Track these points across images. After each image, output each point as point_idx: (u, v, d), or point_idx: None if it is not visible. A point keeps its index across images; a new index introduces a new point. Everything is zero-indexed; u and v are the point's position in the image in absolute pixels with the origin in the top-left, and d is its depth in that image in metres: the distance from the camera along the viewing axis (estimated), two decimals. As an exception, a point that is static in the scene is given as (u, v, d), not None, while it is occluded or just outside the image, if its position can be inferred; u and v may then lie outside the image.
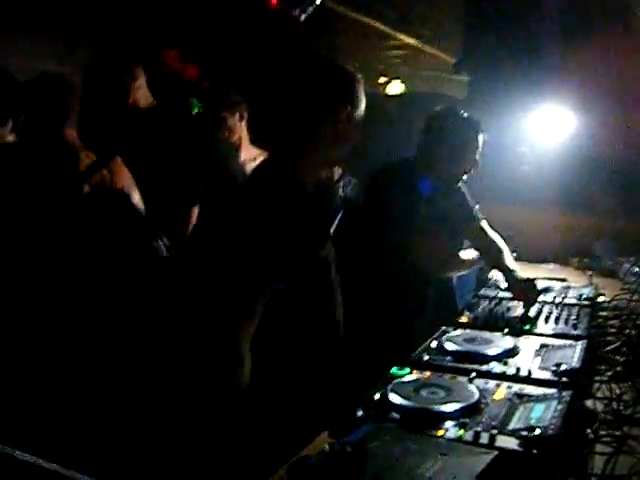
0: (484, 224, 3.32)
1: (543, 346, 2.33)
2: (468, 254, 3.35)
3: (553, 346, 2.32)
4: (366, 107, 2.35)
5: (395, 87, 9.51)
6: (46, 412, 2.53)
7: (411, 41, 8.05)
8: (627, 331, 2.57)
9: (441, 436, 1.61)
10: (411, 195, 3.05)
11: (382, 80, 9.89)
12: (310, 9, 3.07)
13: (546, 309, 2.80)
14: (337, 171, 4.26)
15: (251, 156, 3.95)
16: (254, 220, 2.09)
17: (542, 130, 4.93)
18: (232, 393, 2.05)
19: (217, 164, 3.10)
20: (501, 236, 3.33)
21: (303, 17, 3.04)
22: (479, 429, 1.60)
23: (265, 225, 2.07)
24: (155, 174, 2.95)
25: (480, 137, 3.23)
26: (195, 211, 2.97)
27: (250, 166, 3.25)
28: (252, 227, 2.09)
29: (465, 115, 3.24)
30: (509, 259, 3.13)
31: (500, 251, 3.16)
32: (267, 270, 2.05)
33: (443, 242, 3.13)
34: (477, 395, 1.82)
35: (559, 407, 1.72)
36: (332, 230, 2.55)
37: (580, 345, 2.27)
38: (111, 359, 2.65)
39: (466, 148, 3.20)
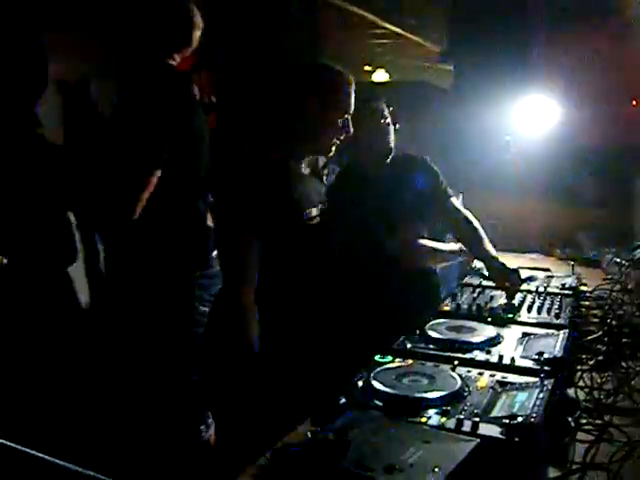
0: (457, 203, 3.28)
1: (525, 335, 2.33)
2: (450, 246, 3.34)
3: (535, 335, 2.32)
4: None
5: (379, 76, 9.52)
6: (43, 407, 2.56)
7: (397, 30, 8.04)
8: (609, 321, 2.58)
9: (424, 423, 1.61)
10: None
11: (367, 68, 9.88)
12: None
13: (529, 298, 2.80)
14: (321, 159, 4.25)
15: None
16: (237, 193, 2.38)
17: (527, 119, 4.93)
18: (239, 345, 2.21)
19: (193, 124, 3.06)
20: (483, 224, 3.31)
21: None
22: (461, 417, 1.60)
23: (246, 195, 2.35)
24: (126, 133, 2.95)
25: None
26: (157, 174, 2.92)
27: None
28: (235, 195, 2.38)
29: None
30: (489, 246, 3.11)
31: (480, 238, 3.13)
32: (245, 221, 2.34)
33: (412, 227, 3.10)
34: (460, 383, 1.82)
35: (541, 395, 1.73)
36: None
37: (562, 334, 2.28)
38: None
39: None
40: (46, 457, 1.02)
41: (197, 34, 3.14)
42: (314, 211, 2.49)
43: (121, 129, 2.96)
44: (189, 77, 3.15)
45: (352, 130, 2.55)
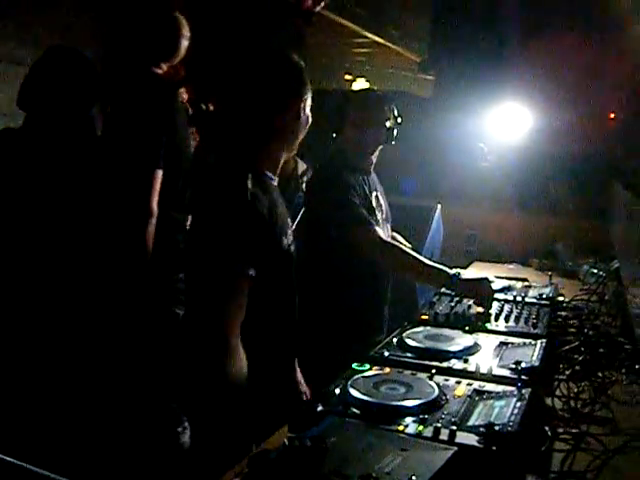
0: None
1: (503, 344, 2.33)
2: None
3: (513, 344, 2.33)
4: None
5: (360, 85, 9.54)
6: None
7: (378, 39, 8.06)
8: (585, 331, 2.59)
9: (401, 432, 1.60)
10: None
11: (348, 77, 9.90)
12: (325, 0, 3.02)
13: (506, 308, 2.81)
14: (301, 166, 4.25)
15: None
16: (222, 212, 2.13)
17: (504, 129, 4.97)
18: (223, 383, 2.04)
19: (175, 131, 3.08)
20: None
21: (318, 8, 2.99)
22: (439, 425, 1.60)
23: (231, 215, 2.10)
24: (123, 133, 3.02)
25: (387, 110, 3.14)
26: (159, 174, 2.95)
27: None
28: (222, 218, 2.13)
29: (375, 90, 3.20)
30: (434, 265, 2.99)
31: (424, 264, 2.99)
32: (236, 255, 2.07)
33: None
34: (437, 391, 1.82)
35: (518, 404, 1.73)
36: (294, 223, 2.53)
37: (539, 344, 2.28)
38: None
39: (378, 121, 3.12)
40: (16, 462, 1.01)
41: (184, 43, 3.17)
42: (290, 235, 2.28)
43: (114, 136, 3.04)
44: (174, 86, 3.16)
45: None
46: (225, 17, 4.63)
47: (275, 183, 2.28)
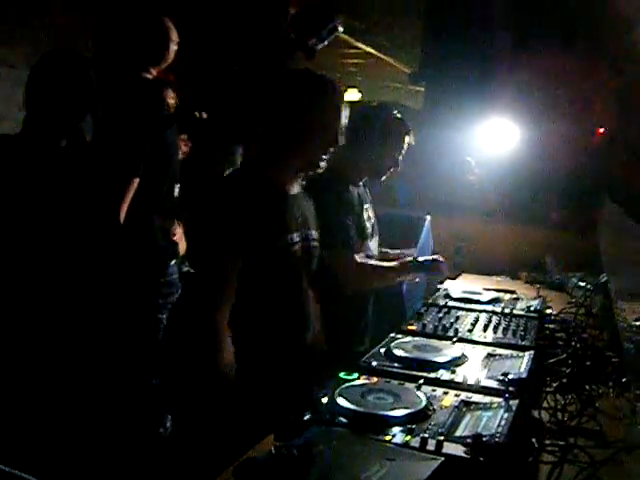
0: None
1: (491, 355, 2.34)
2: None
3: (501, 356, 2.33)
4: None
5: (352, 96, 9.56)
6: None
7: (370, 50, 8.09)
8: (573, 344, 2.59)
9: (388, 441, 1.60)
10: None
11: (339, 88, 9.88)
12: (329, 39, 3.04)
13: (494, 319, 2.82)
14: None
15: None
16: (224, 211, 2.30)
17: (493, 142, 4.98)
18: (212, 375, 2.14)
19: (163, 137, 3.08)
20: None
21: (319, 46, 3.01)
22: (426, 435, 1.59)
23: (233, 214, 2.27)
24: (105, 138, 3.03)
25: (407, 138, 3.22)
26: (135, 182, 2.94)
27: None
28: (211, 210, 2.33)
29: (395, 112, 3.24)
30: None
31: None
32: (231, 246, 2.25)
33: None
34: (425, 402, 1.81)
35: (506, 416, 1.73)
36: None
37: (527, 356, 2.29)
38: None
39: (391, 145, 3.19)
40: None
41: (173, 48, 3.17)
42: (295, 236, 2.40)
43: (100, 140, 3.04)
44: (162, 90, 3.17)
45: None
46: (221, 30, 4.64)
47: (291, 190, 2.46)
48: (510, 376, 2.03)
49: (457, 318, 2.84)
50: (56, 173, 2.78)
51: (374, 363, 2.18)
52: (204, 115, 3.53)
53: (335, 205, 2.98)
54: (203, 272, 2.32)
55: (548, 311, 3.12)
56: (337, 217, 2.96)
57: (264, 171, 2.40)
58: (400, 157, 3.21)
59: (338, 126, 2.43)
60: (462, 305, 3.08)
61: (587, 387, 2.24)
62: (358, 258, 3.04)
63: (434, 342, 2.43)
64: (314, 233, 2.54)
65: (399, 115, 3.22)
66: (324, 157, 2.45)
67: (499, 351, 2.38)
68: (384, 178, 3.26)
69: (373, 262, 3.12)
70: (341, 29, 2.97)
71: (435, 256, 3.21)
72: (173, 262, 3.15)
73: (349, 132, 2.66)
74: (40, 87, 2.85)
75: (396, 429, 1.66)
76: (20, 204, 2.73)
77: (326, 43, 3.04)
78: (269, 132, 2.45)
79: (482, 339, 2.56)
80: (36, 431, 2.60)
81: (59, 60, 2.88)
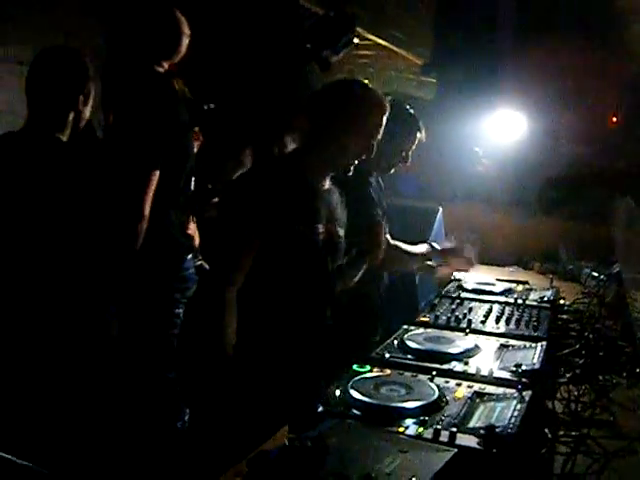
0: None
1: (503, 346, 2.34)
2: (420, 248, 3.34)
3: (513, 347, 2.33)
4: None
5: (363, 87, 9.54)
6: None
7: (382, 42, 8.05)
8: (586, 334, 2.59)
9: (401, 433, 1.60)
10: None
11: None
12: (344, 52, 3.05)
13: (507, 310, 2.82)
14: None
15: None
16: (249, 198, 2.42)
17: (503, 132, 4.97)
18: (215, 351, 2.23)
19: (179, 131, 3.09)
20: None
21: (334, 59, 3.02)
22: (439, 427, 1.60)
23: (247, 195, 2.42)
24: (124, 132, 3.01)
25: (418, 134, 3.23)
26: (156, 175, 2.96)
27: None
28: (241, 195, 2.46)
29: (408, 108, 3.25)
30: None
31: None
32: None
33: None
34: (437, 393, 1.82)
35: (519, 407, 1.73)
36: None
37: (540, 346, 2.28)
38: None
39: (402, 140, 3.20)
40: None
41: (185, 42, 3.17)
42: (320, 227, 2.46)
43: (115, 135, 3.05)
44: (176, 83, 3.17)
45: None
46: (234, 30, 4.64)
47: (322, 185, 2.53)
48: (523, 367, 2.03)
49: (470, 309, 2.84)
50: (59, 167, 2.78)
51: (387, 355, 2.19)
52: (212, 106, 3.54)
53: (365, 202, 3.05)
54: (223, 249, 2.45)
55: (561, 302, 3.12)
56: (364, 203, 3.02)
57: (298, 165, 2.48)
58: (410, 153, 3.21)
59: (375, 140, 2.50)
60: (475, 296, 3.09)
61: (600, 378, 2.24)
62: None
63: (447, 333, 2.43)
64: (340, 230, 2.57)
65: (412, 111, 3.23)
66: (354, 162, 2.51)
67: (512, 342, 2.39)
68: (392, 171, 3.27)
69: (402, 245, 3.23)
70: (356, 41, 2.98)
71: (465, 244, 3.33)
72: (189, 256, 3.16)
73: None
74: (33, 80, 2.85)
75: (409, 421, 1.67)
76: (24, 200, 2.74)
77: (340, 56, 3.05)
78: (312, 130, 2.51)
79: (495, 330, 2.56)
80: (53, 425, 2.62)
81: (50, 54, 2.88)
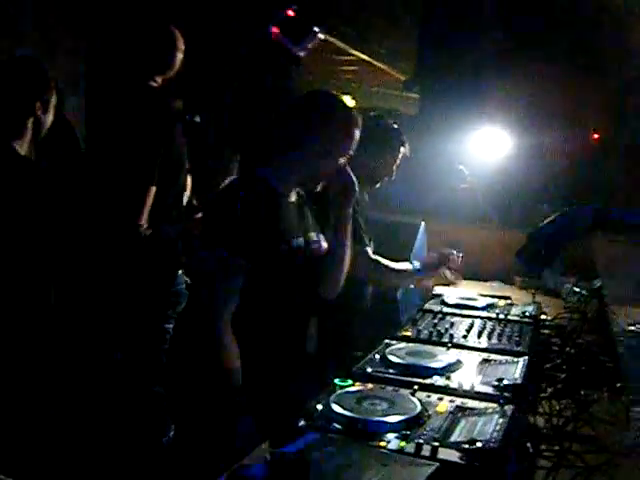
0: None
1: (485, 361, 2.34)
2: (403, 265, 3.34)
3: (495, 361, 2.33)
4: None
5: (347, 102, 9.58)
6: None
7: (366, 58, 8.10)
8: (568, 349, 2.60)
9: (383, 447, 1.60)
10: None
11: (334, 95, 9.88)
12: (310, 45, 3.05)
13: (489, 325, 2.82)
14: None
15: None
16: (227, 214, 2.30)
17: (486, 149, 4.99)
18: (218, 376, 2.16)
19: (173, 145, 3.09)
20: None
21: (302, 54, 3.02)
22: (421, 441, 1.59)
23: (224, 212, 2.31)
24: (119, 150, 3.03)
25: (402, 149, 3.26)
26: (152, 190, 2.95)
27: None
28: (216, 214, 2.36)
29: (392, 122, 3.26)
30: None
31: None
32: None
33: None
34: (419, 408, 1.81)
35: (500, 421, 1.73)
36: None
37: (522, 361, 2.29)
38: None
39: (387, 155, 3.23)
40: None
41: (179, 57, 3.18)
42: (294, 242, 2.39)
43: (109, 150, 3.07)
44: (169, 99, 3.17)
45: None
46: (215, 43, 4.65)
47: (289, 198, 2.45)
48: (505, 382, 2.03)
49: (452, 324, 2.84)
50: (9, 177, 2.74)
51: (369, 369, 2.18)
52: (196, 119, 3.54)
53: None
54: (206, 282, 2.30)
55: (543, 317, 3.12)
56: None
57: (266, 178, 2.41)
58: (395, 167, 3.23)
59: (344, 158, 2.44)
60: (457, 311, 3.08)
61: (582, 392, 2.25)
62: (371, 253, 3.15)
63: (429, 348, 2.43)
64: (314, 235, 2.53)
65: (396, 126, 3.25)
66: (322, 179, 2.45)
67: (494, 357, 2.38)
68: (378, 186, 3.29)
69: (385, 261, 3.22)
70: (321, 36, 2.98)
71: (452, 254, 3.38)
72: (180, 272, 3.15)
73: None
74: None
75: (391, 435, 1.66)
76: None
77: (309, 48, 3.04)
78: (279, 142, 2.47)
79: (477, 345, 2.56)
80: (39, 438, 2.60)
81: (6, 63, 2.87)
